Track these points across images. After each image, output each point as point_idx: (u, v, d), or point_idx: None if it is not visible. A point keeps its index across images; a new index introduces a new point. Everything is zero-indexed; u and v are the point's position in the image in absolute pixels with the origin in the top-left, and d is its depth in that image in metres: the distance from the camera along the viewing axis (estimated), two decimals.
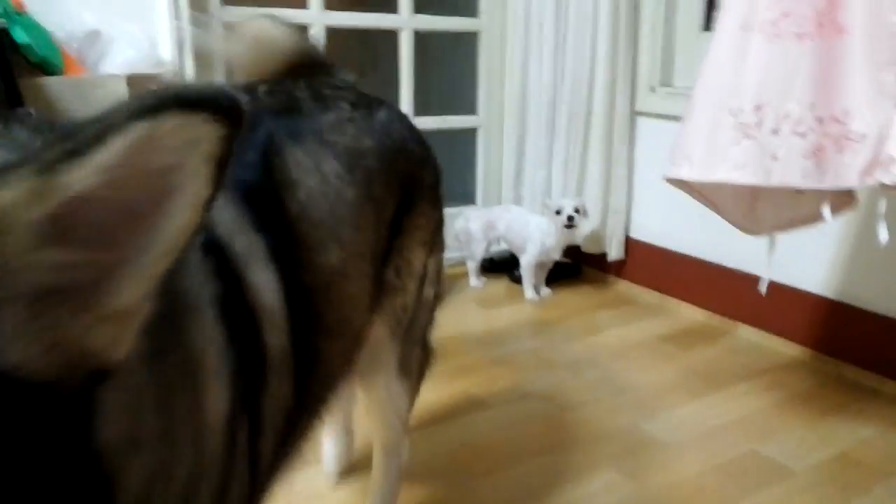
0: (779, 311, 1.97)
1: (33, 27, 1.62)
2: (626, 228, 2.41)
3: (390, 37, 2.44)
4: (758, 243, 1.49)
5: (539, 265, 2.34)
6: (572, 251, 2.46)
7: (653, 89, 2.28)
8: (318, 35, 2.23)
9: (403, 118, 0.96)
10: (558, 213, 2.22)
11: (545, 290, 2.37)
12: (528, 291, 2.33)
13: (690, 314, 2.21)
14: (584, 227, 2.35)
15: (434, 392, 1.65)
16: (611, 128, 2.30)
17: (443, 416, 1.60)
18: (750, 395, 1.73)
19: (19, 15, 1.60)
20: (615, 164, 2.33)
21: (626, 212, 2.38)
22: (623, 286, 2.44)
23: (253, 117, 0.65)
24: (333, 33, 2.28)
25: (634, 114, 2.32)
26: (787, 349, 1.96)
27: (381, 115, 0.89)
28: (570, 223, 2.21)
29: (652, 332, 2.09)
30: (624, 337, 2.07)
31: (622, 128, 2.29)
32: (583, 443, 1.51)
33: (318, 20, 2.23)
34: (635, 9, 2.24)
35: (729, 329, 2.10)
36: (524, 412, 1.64)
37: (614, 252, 2.40)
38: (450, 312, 2.23)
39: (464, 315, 2.22)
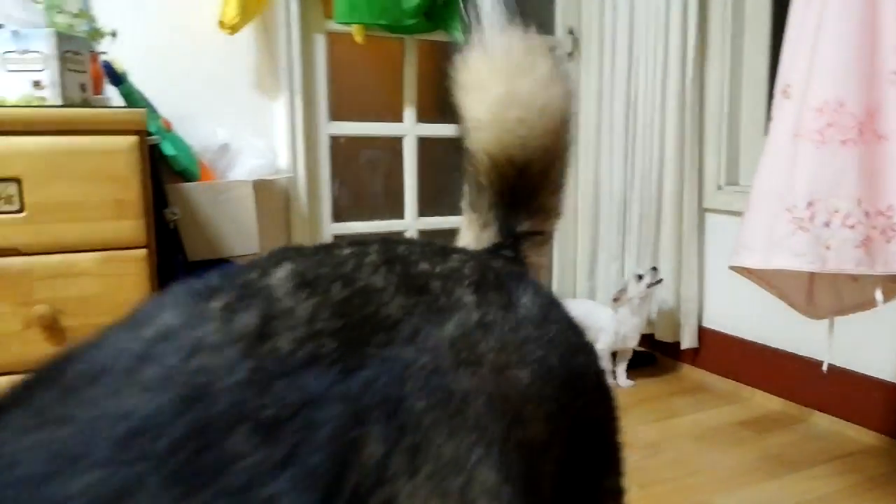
0: (853, 399, 2.03)
1: (178, 142, 1.92)
2: (699, 318, 2.52)
3: None
4: (827, 330, 1.60)
5: (621, 354, 2.46)
6: (646, 340, 2.58)
7: (720, 188, 2.44)
8: (410, 145, 2.51)
9: (555, 303, 0.57)
10: (641, 277, 2.35)
11: (627, 382, 2.46)
12: (611, 379, 2.44)
13: (765, 402, 2.28)
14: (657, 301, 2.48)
15: None
16: (680, 224, 2.45)
17: None
18: (826, 479, 1.78)
19: (168, 132, 1.91)
20: (686, 257, 2.47)
21: (698, 302, 2.50)
22: (697, 374, 2.53)
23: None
24: (425, 141, 2.55)
25: (703, 210, 2.48)
26: (863, 436, 2.00)
27: (526, 302, 0.52)
28: (658, 279, 2.34)
29: (727, 418, 2.17)
30: (699, 422, 2.15)
31: (691, 224, 2.44)
32: None
33: (412, 132, 2.51)
34: (701, 113, 2.44)
35: (803, 416, 2.16)
36: None
37: (688, 341, 2.50)
38: None
39: None
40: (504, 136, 0.70)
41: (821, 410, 2.13)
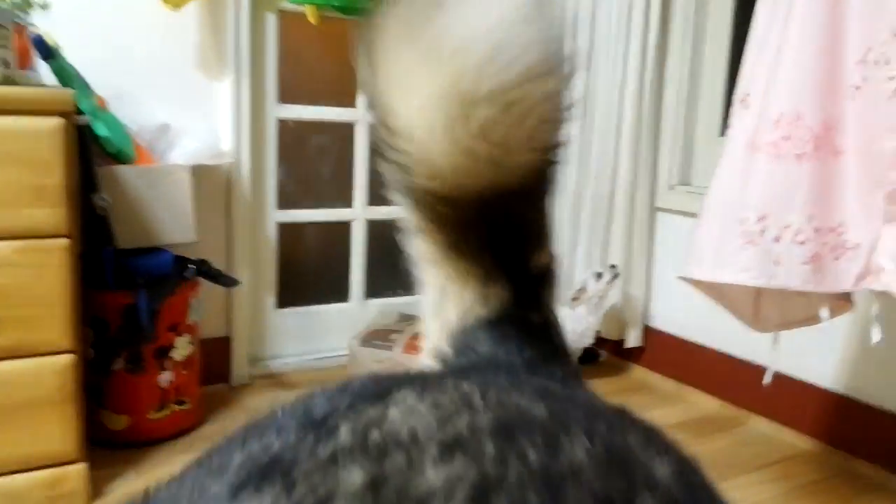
0: (790, 404, 2.05)
1: (112, 122, 1.82)
2: (645, 317, 2.52)
3: None
4: (769, 336, 1.60)
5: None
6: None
7: (672, 188, 2.44)
8: (362, 131, 2.43)
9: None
10: (600, 275, 2.34)
11: None
12: None
13: (705, 403, 2.29)
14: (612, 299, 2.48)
15: None
16: (631, 222, 2.44)
17: None
18: (759, 485, 1.80)
19: (101, 111, 1.80)
20: (635, 255, 2.46)
21: (644, 301, 2.50)
22: (640, 373, 2.54)
23: None
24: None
25: (654, 209, 2.47)
26: (798, 441, 2.03)
27: None
28: (617, 271, 2.35)
29: (666, 420, 2.17)
30: None
31: (642, 222, 2.43)
32: None
33: (364, 118, 2.43)
34: (657, 113, 2.42)
35: (742, 419, 2.18)
36: None
37: (632, 339, 2.50)
38: None
39: None
40: (470, 150, 0.42)
41: (759, 414, 2.15)
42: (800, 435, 2.04)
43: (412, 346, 2.22)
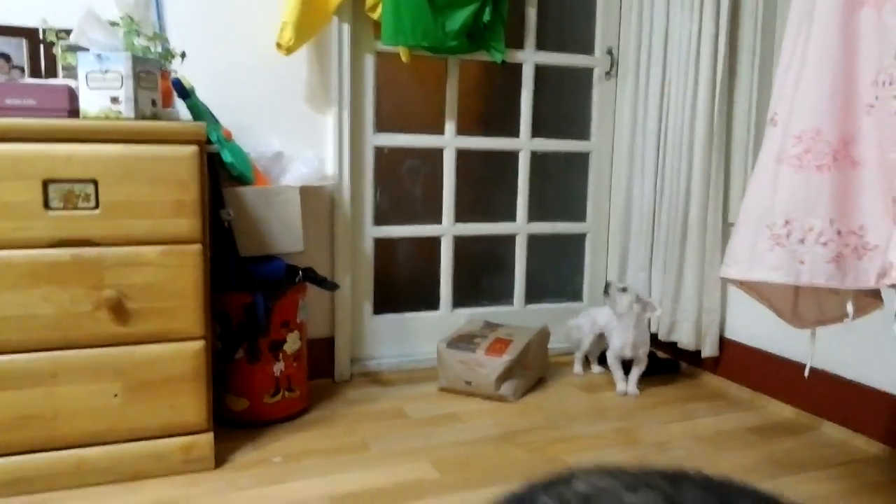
0: (864, 411, 2.11)
1: (236, 150, 2.15)
2: (721, 328, 2.62)
3: (512, 156, 2.86)
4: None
5: (635, 362, 2.55)
6: (670, 348, 2.69)
7: None
8: (450, 156, 2.69)
9: None
10: (624, 290, 2.51)
11: (634, 390, 2.52)
12: (619, 384, 2.54)
13: (779, 410, 2.37)
14: (653, 317, 2.62)
15: (529, 455, 1.94)
16: (704, 237, 2.56)
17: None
18: (822, 482, 1.88)
19: (227, 141, 2.14)
20: (708, 268, 2.57)
21: (720, 312, 2.60)
22: (716, 381, 2.63)
23: None
24: (464, 153, 2.73)
25: (727, 225, 2.58)
26: (869, 446, 2.08)
27: None
28: (606, 291, 2.52)
29: (738, 424, 2.27)
30: (711, 426, 2.26)
31: (714, 237, 2.55)
32: None
33: (451, 144, 2.69)
34: (728, 133, 2.54)
35: (814, 425, 2.25)
36: None
37: (708, 349, 2.60)
38: (551, 394, 2.51)
39: (563, 396, 2.49)
40: None
41: (832, 421, 2.21)
42: (871, 440, 2.09)
43: (494, 349, 2.43)
